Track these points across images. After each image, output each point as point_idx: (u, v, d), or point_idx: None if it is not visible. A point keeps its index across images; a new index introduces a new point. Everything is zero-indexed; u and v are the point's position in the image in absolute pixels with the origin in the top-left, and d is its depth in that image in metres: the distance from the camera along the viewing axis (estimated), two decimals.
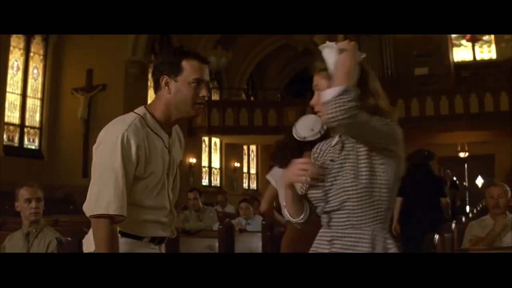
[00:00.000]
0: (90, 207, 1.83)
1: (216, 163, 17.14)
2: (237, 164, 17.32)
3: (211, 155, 16.89)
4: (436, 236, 2.82)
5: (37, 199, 3.16)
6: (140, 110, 1.97)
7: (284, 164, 2.82)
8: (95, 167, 1.87)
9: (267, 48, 17.35)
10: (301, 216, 1.80)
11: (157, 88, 1.95)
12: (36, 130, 12.64)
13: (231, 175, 17.17)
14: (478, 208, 8.28)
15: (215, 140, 16.96)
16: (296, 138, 2.52)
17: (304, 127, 2.48)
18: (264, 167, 18.96)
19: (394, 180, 1.69)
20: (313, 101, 1.77)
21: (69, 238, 3.01)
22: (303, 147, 2.57)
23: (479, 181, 16.03)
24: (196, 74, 1.90)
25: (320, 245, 1.76)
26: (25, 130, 12.37)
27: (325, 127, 2.06)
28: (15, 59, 12.09)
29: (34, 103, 12.62)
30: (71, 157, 12.27)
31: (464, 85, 15.22)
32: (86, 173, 12.10)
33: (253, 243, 5.18)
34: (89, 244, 1.89)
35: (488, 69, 15.87)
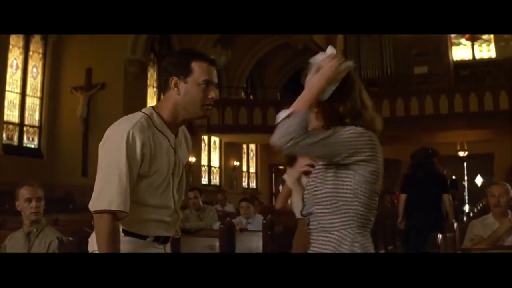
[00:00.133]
0: (93, 203, 1.84)
1: (215, 162, 17.14)
2: (236, 163, 17.32)
3: (211, 154, 16.89)
4: (439, 236, 2.82)
5: (38, 199, 3.15)
6: (147, 109, 1.98)
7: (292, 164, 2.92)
8: (100, 164, 1.88)
9: (266, 46, 17.35)
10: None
11: (165, 89, 1.97)
12: (35, 129, 12.62)
13: (230, 174, 17.17)
14: (479, 208, 8.27)
15: (215, 139, 16.96)
16: None
17: None
18: (264, 166, 18.98)
19: (364, 184, 1.66)
20: None
21: (70, 238, 3.00)
22: None
23: (479, 180, 16.05)
24: (206, 76, 1.93)
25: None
26: (25, 129, 12.35)
27: None
28: (14, 57, 12.06)
29: (33, 102, 12.60)
30: (70, 156, 12.26)
31: (463, 84, 15.25)
32: (85, 172, 12.09)
33: (253, 243, 5.17)
34: (93, 244, 1.90)
35: (488, 68, 15.90)
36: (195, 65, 1.92)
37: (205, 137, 16.29)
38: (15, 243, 3.15)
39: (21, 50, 12.23)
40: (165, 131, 1.96)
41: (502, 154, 14.37)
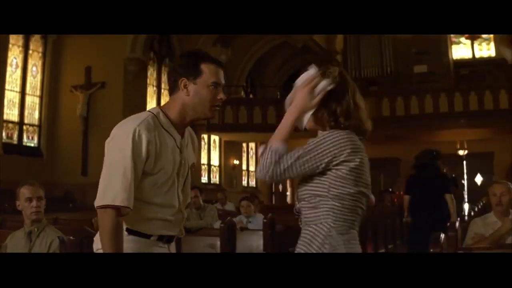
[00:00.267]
0: (98, 199, 1.86)
1: (215, 161, 17.13)
2: (236, 162, 17.33)
3: (210, 153, 16.89)
4: (442, 236, 2.81)
5: (38, 198, 3.14)
6: (154, 109, 2.01)
7: None
8: (106, 161, 1.90)
9: (266, 45, 17.33)
10: None
11: (173, 90, 2.00)
12: (35, 127, 12.61)
13: (230, 173, 17.18)
14: (479, 206, 8.27)
15: (214, 138, 16.96)
16: None
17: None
18: None
19: (341, 179, 1.71)
20: None
21: (71, 237, 2.99)
22: None
23: (478, 179, 16.06)
24: (215, 78, 1.97)
25: None
26: (24, 127, 12.35)
27: None
28: (14, 56, 12.06)
29: (33, 101, 12.59)
30: (70, 154, 12.26)
31: (463, 83, 15.26)
32: (85, 171, 12.09)
33: (254, 241, 5.16)
34: (98, 242, 1.90)
35: (487, 66, 15.91)
36: (204, 67, 1.96)
37: (205, 136, 16.29)
38: (16, 243, 3.14)
39: (20, 48, 12.22)
40: (172, 131, 1.98)
41: (502, 153, 14.38)
